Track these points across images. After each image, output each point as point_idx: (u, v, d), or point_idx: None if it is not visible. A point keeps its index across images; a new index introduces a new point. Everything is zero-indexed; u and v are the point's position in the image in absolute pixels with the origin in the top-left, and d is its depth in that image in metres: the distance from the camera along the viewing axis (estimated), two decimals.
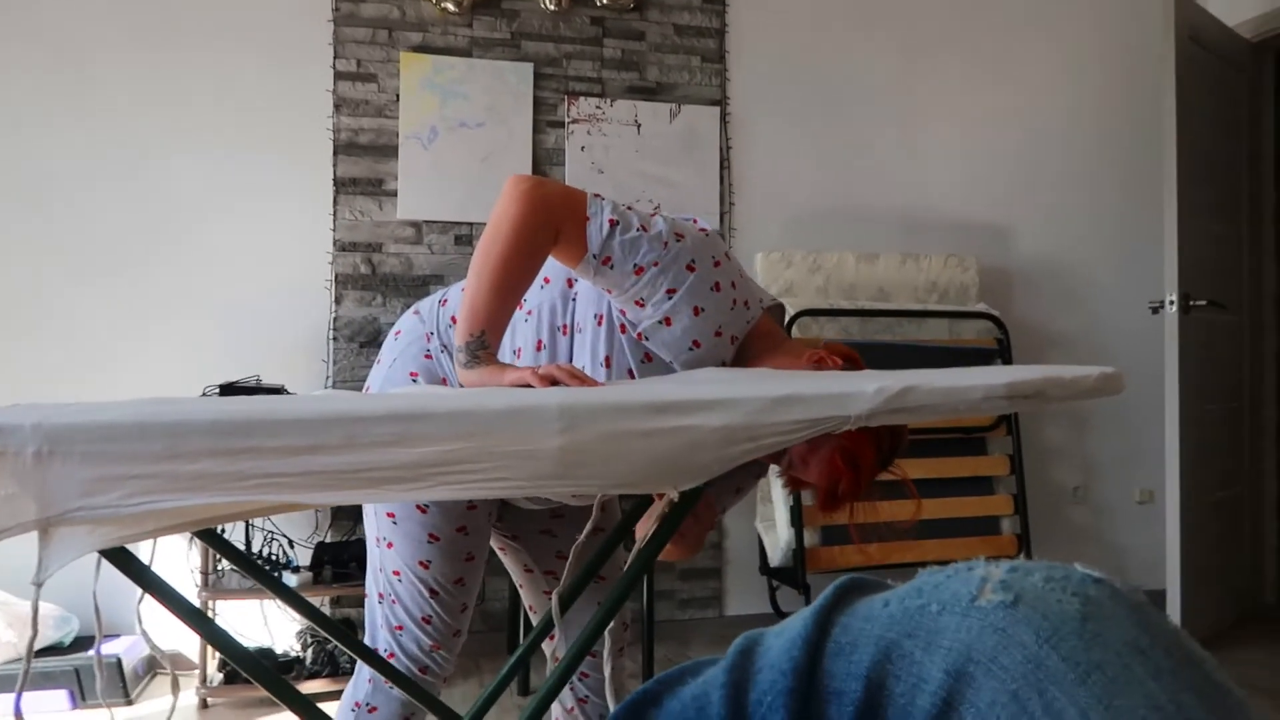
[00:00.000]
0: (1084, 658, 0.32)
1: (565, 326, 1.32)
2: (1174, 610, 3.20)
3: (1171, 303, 3.23)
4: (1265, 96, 3.97)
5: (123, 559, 0.96)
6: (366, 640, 1.47)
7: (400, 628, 1.42)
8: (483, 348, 1.17)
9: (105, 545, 0.88)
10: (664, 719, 0.38)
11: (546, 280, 1.35)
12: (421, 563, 1.39)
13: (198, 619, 1.04)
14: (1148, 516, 4.00)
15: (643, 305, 1.24)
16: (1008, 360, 3.49)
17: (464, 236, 3.35)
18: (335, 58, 3.27)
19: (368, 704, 1.43)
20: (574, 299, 1.33)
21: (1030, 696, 0.32)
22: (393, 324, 3.31)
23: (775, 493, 3.32)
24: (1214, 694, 0.33)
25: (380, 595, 1.44)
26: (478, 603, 1.47)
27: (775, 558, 3.31)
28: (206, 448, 0.83)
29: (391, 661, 1.42)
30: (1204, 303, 3.32)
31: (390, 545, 1.40)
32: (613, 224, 1.22)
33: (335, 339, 3.23)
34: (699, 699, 0.38)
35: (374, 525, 1.42)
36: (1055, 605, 0.34)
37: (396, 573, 1.41)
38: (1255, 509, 3.87)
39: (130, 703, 2.78)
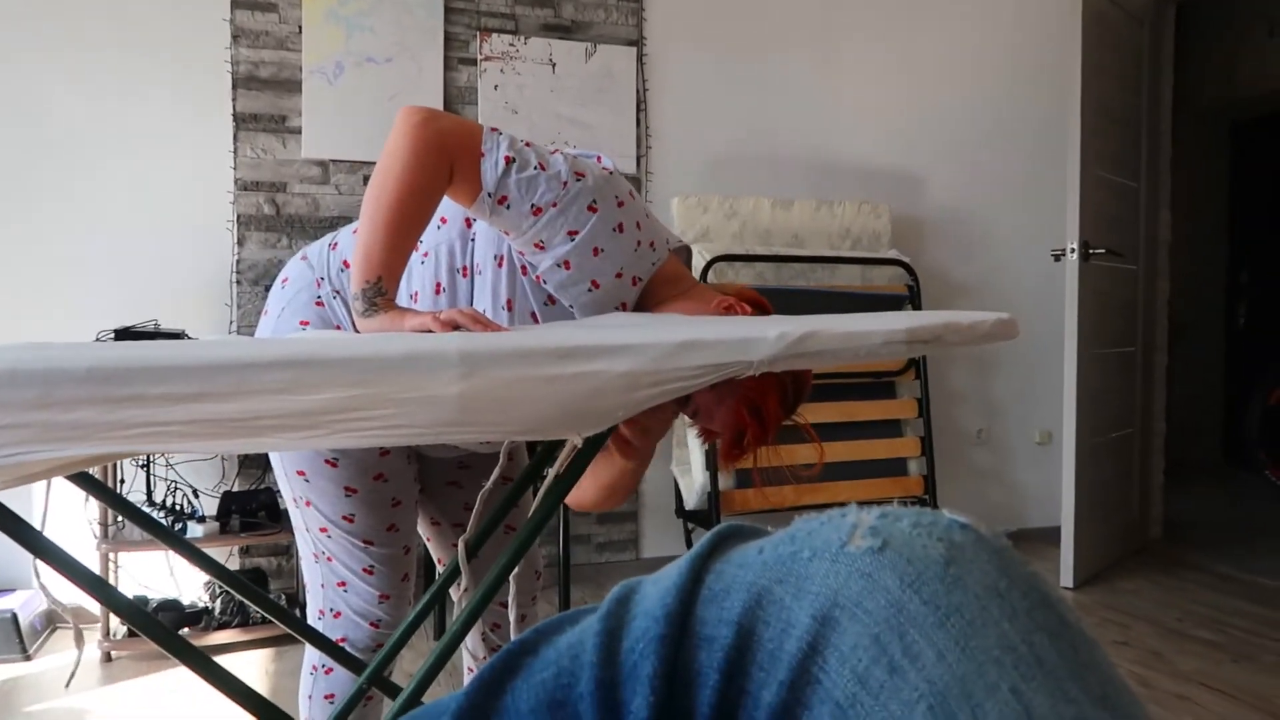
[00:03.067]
0: (944, 601, 0.33)
1: (465, 268, 1.27)
2: (1068, 544, 3.37)
3: (1072, 250, 3.34)
4: (1166, 49, 4.09)
5: (9, 522, 0.91)
6: (309, 601, 1.43)
7: (343, 584, 1.39)
8: (380, 294, 1.12)
9: None
10: (538, 666, 0.38)
11: (444, 220, 1.30)
12: (345, 517, 1.35)
13: (94, 583, 0.99)
14: (1046, 456, 4.19)
15: (542, 248, 1.19)
16: (917, 305, 3.57)
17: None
18: None
19: (324, 665, 1.41)
20: (473, 239, 1.28)
21: (891, 639, 0.33)
22: None
23: (690, 438, 3.36)
24: (1065, 634, 0.34)
25: (315, 555, 1.39)
26: None
27: (690, 501, 3.36)
28: (84, 395, 0.79)
29: (338, 620, 1.40)
30: (1103, 251, 3.44)
31: (309, 504, 1.36)
32: (509, 161, 1.16)
33: (239, 282, 3.11)
34: (573, 647, 0.38)
35: (287, 487, 1.37)
36: (920, 550, 0.35)
37: (324, 530, 1.36)
38: (1145, 449, 4.07)
39: (29, 658, 2.69)
